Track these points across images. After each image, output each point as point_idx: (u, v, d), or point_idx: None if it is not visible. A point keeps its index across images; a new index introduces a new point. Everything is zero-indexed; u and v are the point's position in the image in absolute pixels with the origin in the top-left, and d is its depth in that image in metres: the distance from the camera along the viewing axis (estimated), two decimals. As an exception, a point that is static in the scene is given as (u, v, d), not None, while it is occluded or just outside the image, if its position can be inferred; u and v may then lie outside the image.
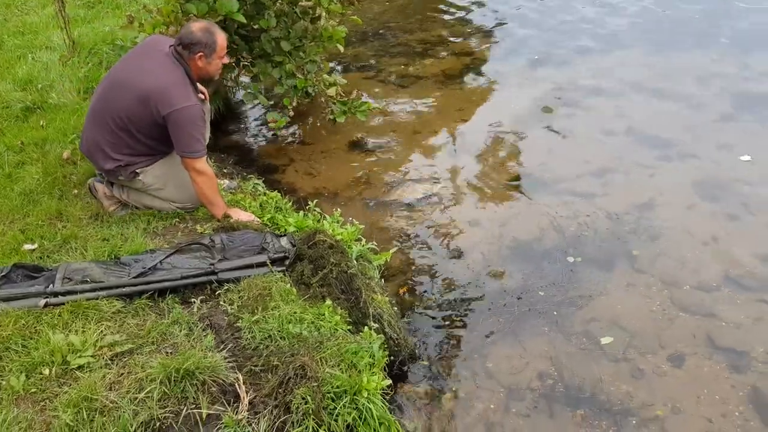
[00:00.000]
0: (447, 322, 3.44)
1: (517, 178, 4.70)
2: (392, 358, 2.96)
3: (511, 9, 7.81)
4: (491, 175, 4.73)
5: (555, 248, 3.94)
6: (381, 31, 7.45)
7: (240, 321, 2.65)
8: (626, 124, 5.28)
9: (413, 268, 3.86)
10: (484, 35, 7.28)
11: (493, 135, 5.28)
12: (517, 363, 3.17)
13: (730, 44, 6.60)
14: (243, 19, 4.27)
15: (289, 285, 2.85)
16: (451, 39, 7.15)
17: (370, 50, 7.01)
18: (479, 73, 6.42)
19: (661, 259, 3.80)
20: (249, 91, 4.98)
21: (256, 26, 4.58)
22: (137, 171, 3.32)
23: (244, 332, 2.60)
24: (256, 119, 5.77)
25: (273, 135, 5.41)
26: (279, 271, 2.92)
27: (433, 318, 3.47)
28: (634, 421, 2.85)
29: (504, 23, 7.47)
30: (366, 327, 2.80)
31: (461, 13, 7.78)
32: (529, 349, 3.24)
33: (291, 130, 5.50)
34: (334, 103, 4.98)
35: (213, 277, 2.83)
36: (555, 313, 3.46)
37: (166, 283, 2.79)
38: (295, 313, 2.68)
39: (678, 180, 4.54)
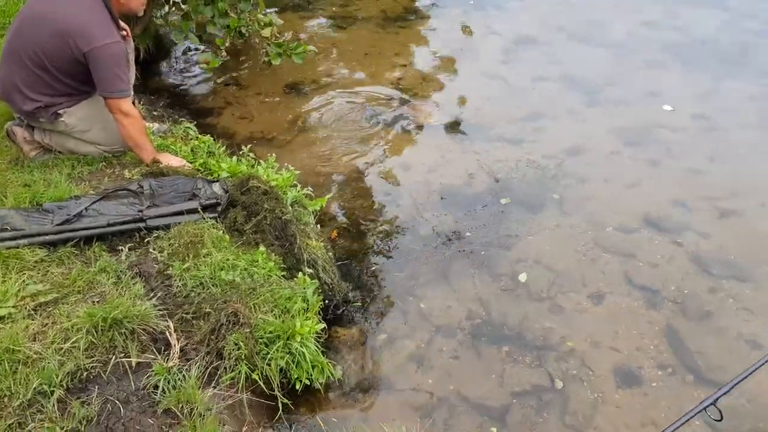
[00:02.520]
0: (380, 266, 3.51)
1: (453, 123, 4.74)
2: (326, 302, 3.01)
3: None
4: (426, 121, 4.75)
5: (486, 192, 4.04)
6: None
7: (171, 269, 2.63)
8: (559, 71, 5.37)
9: (348, 212, 3.88)
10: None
11: (428, 79, 5.27)
12: (446, 303, 3.28)
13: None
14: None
15: (221, 232, 2.83)
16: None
17: (307, -11, 6.79)
18: (417, 17, 6.35)
19: (587, 202, 3.96)
20: (179, 30, 4.76)
21: (184, -40, 4.35)
22: (59, 112, 3.16)
23: (175, 280, 2.59)
24: (188, 60, 5.55)
25: (206, 77, 5.24)
26: (211, 218, 2.89)
27: (367, 261, 3.53)
28: (554, 355, 3.02)
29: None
30: (300, 273, 2.84)
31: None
32: (459, 290, 3.35)
33: (225, 72, 5.33)
34: (269, 45, 4.83)
35: (141, 224, 2.78)
36: (483, 253, 3.57)
37: (92, 231, 2.72)
38: (227, 260, 2.67)
39: (605, 126, 4.68)
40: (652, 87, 5.15)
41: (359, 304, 3.25)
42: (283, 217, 2.97)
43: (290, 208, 3.15)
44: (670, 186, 4.10)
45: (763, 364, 1.67)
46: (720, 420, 1.52)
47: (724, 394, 1.51)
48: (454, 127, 4.68)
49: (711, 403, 1.52)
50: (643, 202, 3.96)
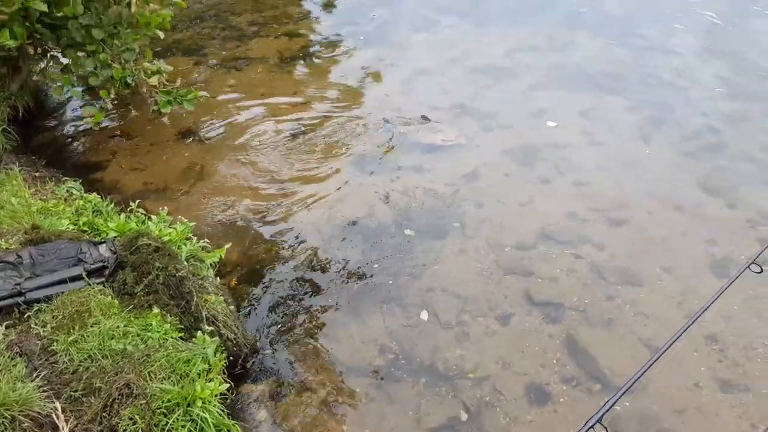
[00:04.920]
0: (289, 310, 3.44)
1: (354, 157, 4.75)
2: (231, 358, 2.90)
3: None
4: (323, 157, 4.75)
5: (390, 223, 4.07)
6: (209, 14, 7.15)
7: (55, 343, 2.46)
8: (450, 99, 5.52)
9: (251, 258, 3.79)
10: (314, 18, 7.26)
11: (325, 116, 5.29)
12: (357, 342, 3.25)
13: (542, 20, 7.12)
14: (43, 7, 3.83)
15: (110, 297, 2.68)
16: (285, 20, 7.04)
17: (199, 34, 6.70)
18: (313, 55, 6.39)
19: (486, 224, 4.07)
20: (58, 84, 4.55)
21: (60, 14, 4.15)
22: None
23: (61, 355, 2.42)
24: (72, 114, 5.30)
25: (92, 131, 5.01)
26: (98, 283, 2.74)
27: (275, 308, 3.45)
28: (469, 384, 3.05)
29: (333, 6, 7.56)
30: (199, 331, 2.73)
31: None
32: (370, 325, 3.33)
33: (113, 123, 5.13)
34: (158, 93, 4.70)
35: (20, 299, 2.59)
36: (391, 282, 3.59)
37: (-37, 313, 2.51)
38: (117, 327, 2.54)
39: (496, 149, 4.85)
40: (537, 107, 5.40)
41: (269, 351, 3.16)
42: (177, 274, 2.85)
43: (185, 263, 3.04)
44: (561, 200, 4.29)
45: (640, 377, 1.74)
46: (609, 437, 1.56)
47: (607, 411, 1.56)
48: (354, 161, 4.70)
49: (597, 421, 1.56)
50: (538, 219, 4.12)
